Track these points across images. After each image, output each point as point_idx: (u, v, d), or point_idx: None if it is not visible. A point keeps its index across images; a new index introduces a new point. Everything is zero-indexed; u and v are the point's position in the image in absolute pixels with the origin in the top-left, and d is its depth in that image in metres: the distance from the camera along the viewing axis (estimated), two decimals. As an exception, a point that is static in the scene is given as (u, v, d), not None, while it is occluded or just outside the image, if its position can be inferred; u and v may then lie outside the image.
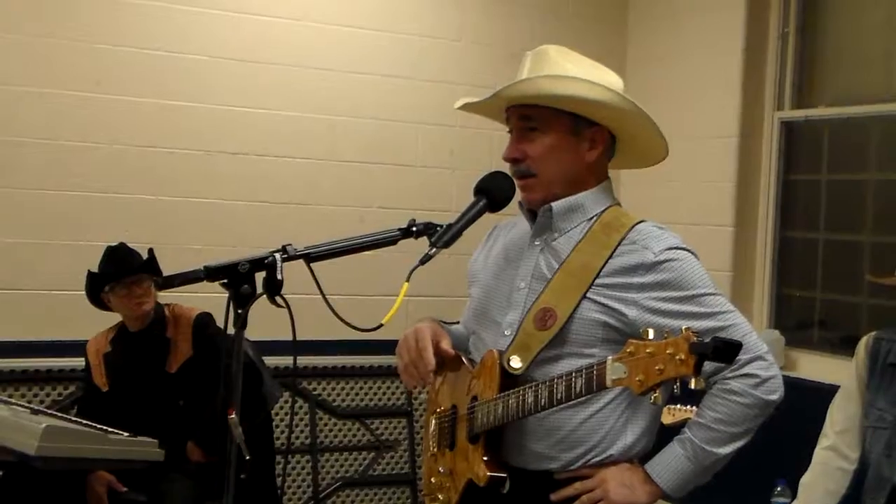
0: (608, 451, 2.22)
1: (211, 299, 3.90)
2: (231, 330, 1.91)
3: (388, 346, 5.13)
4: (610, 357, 1.90)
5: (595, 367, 1.96)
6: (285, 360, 4.87)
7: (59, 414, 3.90)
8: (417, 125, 5.45)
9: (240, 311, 1.88)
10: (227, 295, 1.94)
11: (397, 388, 5.35)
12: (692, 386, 1.77)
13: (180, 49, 4.89)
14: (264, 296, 1.94)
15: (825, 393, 3.62)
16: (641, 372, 1.82)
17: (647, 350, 1.81)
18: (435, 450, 2.46)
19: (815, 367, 4.84)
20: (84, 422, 3.66)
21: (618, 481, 2.19)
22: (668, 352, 1.77)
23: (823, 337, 5.01)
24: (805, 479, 3.33)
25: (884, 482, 3.09)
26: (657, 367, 1.79)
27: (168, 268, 4.06)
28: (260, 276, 1.98)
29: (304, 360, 5.01)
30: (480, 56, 5.58)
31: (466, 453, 2.30)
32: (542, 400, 2.09)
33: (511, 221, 2.49)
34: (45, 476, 3.70)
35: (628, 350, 1.85)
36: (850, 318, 4.90)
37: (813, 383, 4.47)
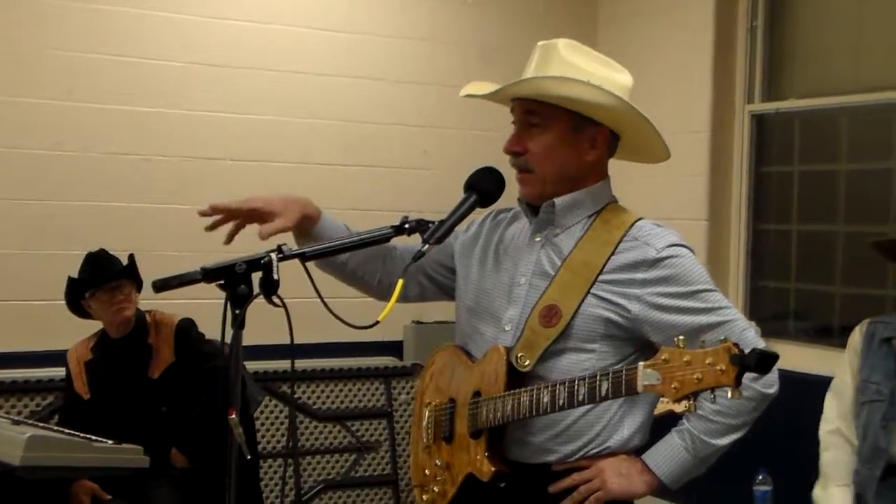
0: (606, 444, 2.24)
1: (187, 305, 3.91)
2: (229, 331, 1.90)
3: (368, 349, 5.19)
4: (641, 363, 1.91)
5: (624, 372, 1.98)
6: (264, 365, 4.86)
7: (41, 424, 3.87)
8: (390, 126, 5.47)
9: (237, 312, 1.87)
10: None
11: (377, 389, 5.35)
12: (730, 396, 1.80)
13: (153, 55, 4.88)
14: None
15: (802, 382, 3.66)
16: (677, 380, 1.83)
17: (685, 358, 1.83)
18: (430, 442, 2.46)
19: (792, 357, 4.88)
20: (67, 431, 3.63)
21: (615, 471, 2.21)
22: (707, 361, 1.80)
23: (799, 327, 5.07)
24: (826, 459, 3.37)
25: (880, 452, 3.16)
26: (695, 376, 1.81)
27: (145, 275, 4.04)
28: (252, 277, 1.97)
29: (283, 364, 4.98)
30: (452, 55, 5.60)
31: (467, 447, 2.31)
32: (561, 400, 2.11)
33: (506, 214, 2.50)
34: (29, 486, 3.66)
35: (663, 357, 1.86)
36: (824, 307, 4.96)
37: (789, 373, 4.45)
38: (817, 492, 3.36)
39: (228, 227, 2.29)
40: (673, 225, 2.33)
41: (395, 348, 5.44)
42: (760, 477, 4.18)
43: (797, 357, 4.83)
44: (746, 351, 1.78)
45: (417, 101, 5.53)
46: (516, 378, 2.21)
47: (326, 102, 5.29)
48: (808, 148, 5.05)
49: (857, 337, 3.37)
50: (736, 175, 5.25)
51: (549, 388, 2.13)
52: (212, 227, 2.29)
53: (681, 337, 1.87)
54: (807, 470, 3.72)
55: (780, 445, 4.24)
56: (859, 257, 4.72)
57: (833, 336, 4.84)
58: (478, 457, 2.26)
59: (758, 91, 5.20)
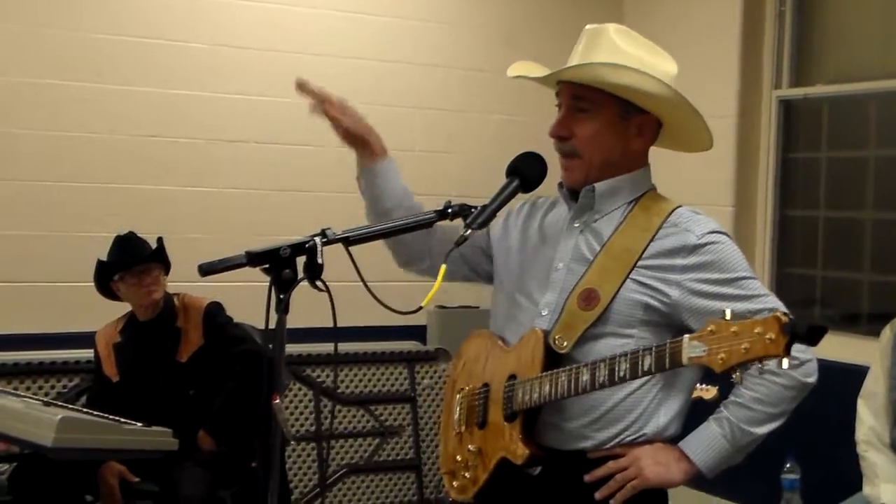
0: (642, 431, 2.22)
1: (214, 288, 3.91)
2: (273, 316, 1.89)
3: (391, 333, 5.18)
4: (686, 335, 1.90)
5: (669, 345, 1.96)
6: (290, 349, 4.85)
7: (70, 406, 3.89)
8: (415, 109, 5.44)
9: (282, 297, 1.87)
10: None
11: (401, 374, 5.34)
12: (784, 366, 1.77)
13: (179, 38, 4.89)
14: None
15: (828, 370, 3.64)
16: (724, 350, 1.81)
17: (732, 329, 1.80)
18: (462, 428, 2.44)
19: (818, 345, 4.85)
20: (96, 413, 3.65)
21: (652, 459, 2.19)
22: (756, 331, 1.77)
23: (825, 314, 5.03)
24: (869, 459, 3.37)
25: None
26: (743, 346, 1.78)
27: (173, 258, 4.06)
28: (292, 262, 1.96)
29: (307, 348, 4.98)
30: (476, 39, 5.58)
31: (501, 432, 2.28)
32: (601, 377, 2.08)
33: (545, 200, 2.48)
34: (58, 468, 3.68)
35: (709, 328, 1.84)
36: (851, 295, 4.93)
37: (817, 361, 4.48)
38: (867, 490, 3.35)
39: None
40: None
41: (418, 333, 5.43)
42: (788, 465, 4.16)
43: (824, 345, 4.66)
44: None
45: (442, 85, 5.51)
46: (553, 360, 2.19)
47: (351, 86, 5.20)
48: (837, 134, 5.01)
49: (887, 335, 3.36)
50: (763, 161, 5.21)
51: (589, 367, 2.11)
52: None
53: (728, 309, 1.84)
54: (835, 458, 3.71)
55: (808, 434, 4.22)
56: (888, 245, 4.69)
57: (860, 324, 4.81)
58: (512, 440, 2.24)
59: (786, 76, 5.15)
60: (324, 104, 2.44)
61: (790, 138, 5.18)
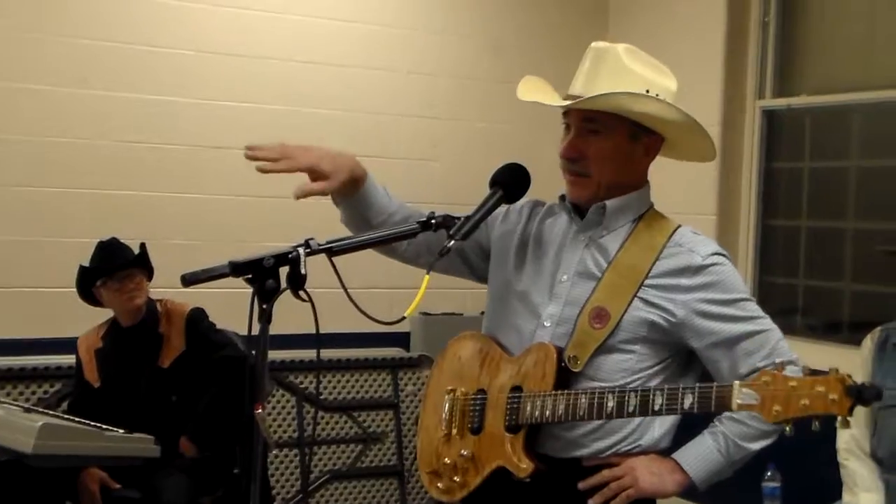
0: (638, 442, 2.25)
1: (196, 294, 3.90)
2: (256, 325, 1.89)
3: (375, 339, 5.17)
4: (737, 382, 1.95)
5: (715, 389, 2.00)
6: (272, 355, 4.84)
7: (51, 412, 3.87)
8: (401, 117, 5.45)
9: (265, 307, 1.87)
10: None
11: (384, 380, 5.34)
12: (837, 425, 1.83)
13: (164, 44, 4.88)
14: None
15: (808, 378, 3.67)
16: (780, 403, 1.87)
17: (790, 384, 1.86)
18: (453, 431, 2.41)
19: (799, 353, 4.82)
20: (77, 419, 3.63)
21: (647, 469, 2.22)
22: (817, 388, 1.84)
23: (806, 323, 5.06)
24: (849, 468, 3.40)
25: None
26: (802, 402, 1.84)
27: (156, 264, 4.05)
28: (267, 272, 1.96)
29: (290, 354, 4.97)
30: (462, 47, 5.60)
31: (501, 441, 2.28)
32: (631, 408, 2.11)
33: (541, 207, 2.49)
34: (38, 475, 3.66)
35: (763, 379, 1.89)
36: (833, 304, 4.95)
37: (798, 369, 4.50)
38: (847, 499, 3.37)
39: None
40: (681, 219, 2.36)
41: (401, 339, 5.44)
42: (769, 473, 4.19)
43: (804, 354, 4.77)
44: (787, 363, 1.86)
45: (428, 93, 5.52)
46: (564, 378, 2.22)
47: (337, 93, 5.28)
48: (819, 144, 5.04)
49: (868, 345, 3.39)
50: (746, 170, 5.24)
51: (616, 394, 2.13)
52: (263, 171, 2.30)
53: (777, 361, 1.93)
54: (815, 467, 3.72)
55: (789, 441, 4.24)
56: (869, 254, 4.72)
57: (841, 333, 4.84)
58: (514, 452, 2.25)
59: (769, 86, 5.18)
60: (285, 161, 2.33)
61: (773, 148, 5.21)
